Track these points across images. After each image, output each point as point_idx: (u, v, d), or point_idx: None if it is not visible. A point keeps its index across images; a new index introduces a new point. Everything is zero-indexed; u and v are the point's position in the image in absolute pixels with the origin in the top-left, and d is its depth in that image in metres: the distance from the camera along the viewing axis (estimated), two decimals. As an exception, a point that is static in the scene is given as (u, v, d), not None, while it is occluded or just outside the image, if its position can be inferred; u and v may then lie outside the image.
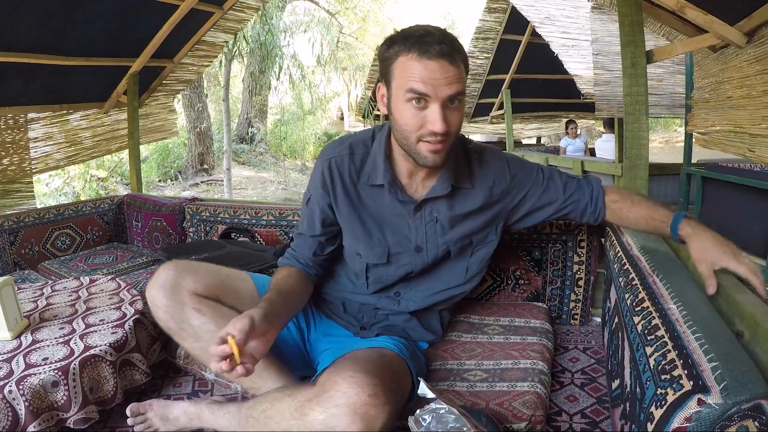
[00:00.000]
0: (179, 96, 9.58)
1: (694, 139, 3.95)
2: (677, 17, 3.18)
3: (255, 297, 1.59)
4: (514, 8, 7.23)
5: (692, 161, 4.71)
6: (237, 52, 9.58)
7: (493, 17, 8.13)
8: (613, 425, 1.34)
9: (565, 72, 6.26)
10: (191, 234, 3.05)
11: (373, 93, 14.29)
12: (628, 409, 1.14)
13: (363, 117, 16.04)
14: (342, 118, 23.51)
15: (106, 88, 3.95)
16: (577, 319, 2.09)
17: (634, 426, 1.05)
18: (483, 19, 8.25)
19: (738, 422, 0.75)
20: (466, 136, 1.67)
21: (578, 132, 8.23)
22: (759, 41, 3.00)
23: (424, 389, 1.20)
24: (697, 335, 0.98)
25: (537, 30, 6.59)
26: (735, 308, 1.14)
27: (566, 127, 8.26)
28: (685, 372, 0.89)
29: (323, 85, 17.03)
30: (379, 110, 15.84)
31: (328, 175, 1.52)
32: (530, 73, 8.56)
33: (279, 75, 12.36)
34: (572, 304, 2.08)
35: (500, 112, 9.10)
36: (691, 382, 0.85)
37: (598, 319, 2.08)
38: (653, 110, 5.48)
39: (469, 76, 9.15)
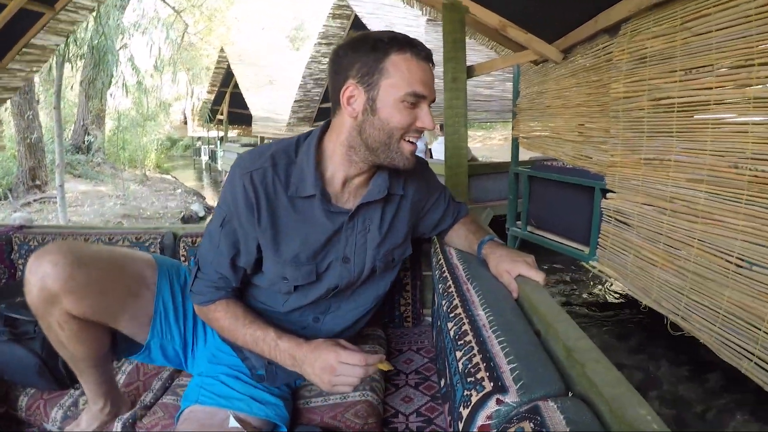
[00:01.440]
0: (7, 104, 8.62)
1: (519, 142, 4.32)
2: (501, 34, 3.44)
3: (147, 293, 1.47)
4: (357, 15, 7.34)
5: (529, 158, 5.08)
6: (68, 56, 8.54)
7: (337, 23, 8.22)
8: (445, 419, 1.39)
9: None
10: (22, 267, 2.37)
11: (217, 97, 13.88)
12: (449, 406, 1.17)
13: (205, 122, 15.45)
14: (186, 123, 22.51)
15: None
16: (409, 321, 2.09)
17: (453, 424, 1.09)
18: (327, 25, 8.32)
19: (516, 423, 0.78)
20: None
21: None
22: (573, 58, 3.36)
23: (233, 423, 1.23)
24: (500, 339, 1.02)
25: (376, 37, 6.77)
26: (533, 309, 1.18)
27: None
28: (487, 374, 0.93)
29: (166, 88, 16.12)
30: (222, 115, 15.17)
31: (251, 190, 1.28)
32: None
33: (110, 83, 10.98)
34: (402, 308, 2.08)
35: (344, 116, 9.24)
36: (492, 384, 0.89)
37: (430, 319, 2.10)
38: (483, 115, 5.88)
39: (311, 81, 9.30)
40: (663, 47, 2.42)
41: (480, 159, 6.98)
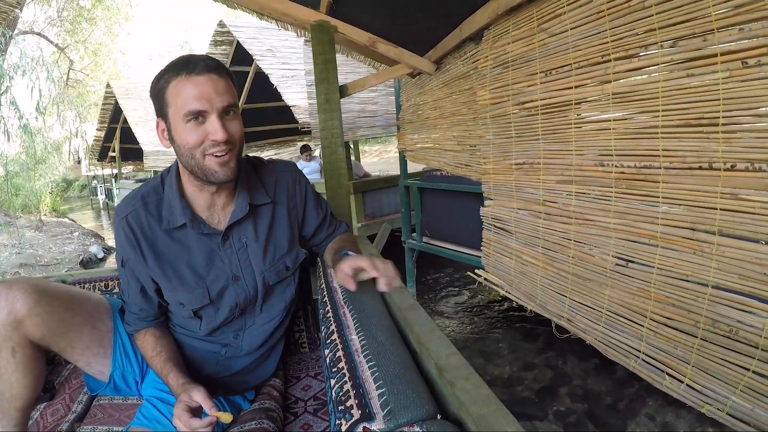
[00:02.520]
0: None
1: (405, 154, 4.27)
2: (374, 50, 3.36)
3: (102, 328, 1.55)
4: (239, 41, 7.17)
5: (422, 168, 5.04)
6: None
7: (220, 50, 7.98)
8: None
9: (291, 100, 6.33)
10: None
11: (107, 133, 13.41)
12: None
13: (98, 159, 14.75)
14: (79, 162, 21.47)
15: None
16: (306, 347, 2.06)
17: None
18: (210, 53, 8.07)
19: None
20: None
21: (313, 155, 8.31)
22: (445, 68, 3.32)
23: None
24: (371, 363, 0.99)
25: (258, 63, 6.62)
26: (409, 329, 1.18)
27: (301, 152, 8.28)
28: (356, 402, 0.90)
29: (57, 128, 15.22)
30: (114, 152, 14.63)
31: (130, 233, 1.40)
32: (260, 102, 8.59)
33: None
34: (297, 334, 2.06)
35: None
36: (360, 411, 0.86)
37: (328, 342, 2.09)
38: (369, 131, 5.85)
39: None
40: (523, 50, 2.38)
41: (377, 173, 6.91)
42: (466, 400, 0.83)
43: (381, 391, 0.88)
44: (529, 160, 2.43)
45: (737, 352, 1.56)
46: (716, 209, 1.58)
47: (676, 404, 2.58)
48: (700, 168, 1.62)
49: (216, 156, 1.26)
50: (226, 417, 1.25)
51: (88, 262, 8.55)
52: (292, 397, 1.73)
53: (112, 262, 8.86)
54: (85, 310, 1.50)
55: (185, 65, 1.22)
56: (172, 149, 1.32)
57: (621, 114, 1.89)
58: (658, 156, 1.75)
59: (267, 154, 10.94)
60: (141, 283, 1.46)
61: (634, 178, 1.86)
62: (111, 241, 10.81)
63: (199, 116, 1.22)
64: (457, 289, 4.99)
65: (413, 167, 4.81)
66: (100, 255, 8.75)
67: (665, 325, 1.79)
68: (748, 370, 1.53)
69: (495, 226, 2.86)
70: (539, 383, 3.15)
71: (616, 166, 1.91)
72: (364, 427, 0.82)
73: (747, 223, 1.50)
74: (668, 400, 2.61)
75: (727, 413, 1.59)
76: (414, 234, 4.46)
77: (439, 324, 4.23)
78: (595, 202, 2.05)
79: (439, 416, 0.83)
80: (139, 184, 9.59)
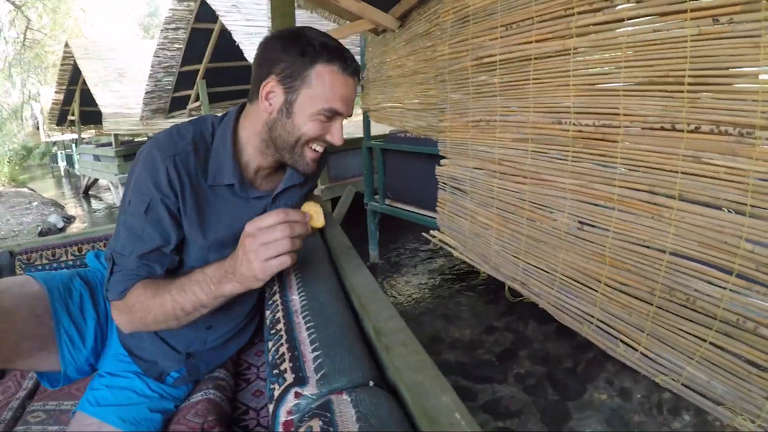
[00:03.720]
0: None
1: (369, 115, 4.15)
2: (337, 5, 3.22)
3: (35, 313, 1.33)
4: (203, -4, 6.86)
5: (389, 131, 4.96)
6: None
7: (184, 6, 7.65)
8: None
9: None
10: None
11: (66, 96, 12.91)
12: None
13: (57, 124, 14.14)
14: (38, 128, 20.73)
15: None
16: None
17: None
18: (173, 9, 7.70)
19: (307, 422, 0.71)
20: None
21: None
22: (409, 25, 3.19)
23: None
24: (309, 324, 0.95)
25: (222, 20, 6.36)
26: (352, 290, 1.14)
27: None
28: (291, 365, 0.86)
29: (15, 93, 14.59)
30: (73, 116, 14.04)
31: (176, 175, 1.18)
32: (226, 61, 8.25)
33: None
34: None
35: (197, 104, 8.56)
36: (293, 375, 0.83)
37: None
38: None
39: (161, 70, 8.67)
40: (485, 4, 2.26)
41: (345, 136, 6.77)
42: (401, 366, 0.81)
43: (317, 354, 0.86)
44: (486, 117, 2.32)
45: (694, 322, 1.50)
46: (677, 172, 1.50)
47: (635, 369, 2.62)
48: (662, 129, 1.53)
49: (314, 151, 1.24)
50: (318, 219, 1.15)
51: (47, 233, 8.13)
52: (245, 363, 1.65)
53: (71, 230, 8.64)
54: (20, 319, 1.30)
55: (341, 57, 1.16)
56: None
57: (581, 70, 1.80)
58: (619, 115, 1.66)
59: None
60: (163, 236, 1.21)
61: (592, 137, 1.76)
62: (71, 210, 10.56)
63: (333, 116, 1.19)
64: (420, 252, 4.96)
65: (381, 129, 4.72)
66: (60, 225, 8.43)
67: (620, 291, 1.72)
68: (704, 341, 1.47)
69: (450, 185, 2.77)
70: (500, 346, 3.16)
71: (573, 125, 1.81)
72: (296, 392, 0.79)
73: (709, 188, 1.42)
74: (627, 365, 2.65)
75: (682, 384, 1.53)
76: (376, 196, 4.39)
77: (401, 287, 4.21)
78: (552, 162, 1.95)
79: (372, 383, 0.79)
80: (104, 147, 9.27)
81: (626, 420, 2.43)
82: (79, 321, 1.40)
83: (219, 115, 1.32)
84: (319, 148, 1.24)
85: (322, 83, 1.16)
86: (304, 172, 1.29)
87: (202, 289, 1.12)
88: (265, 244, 1.02)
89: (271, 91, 1.19)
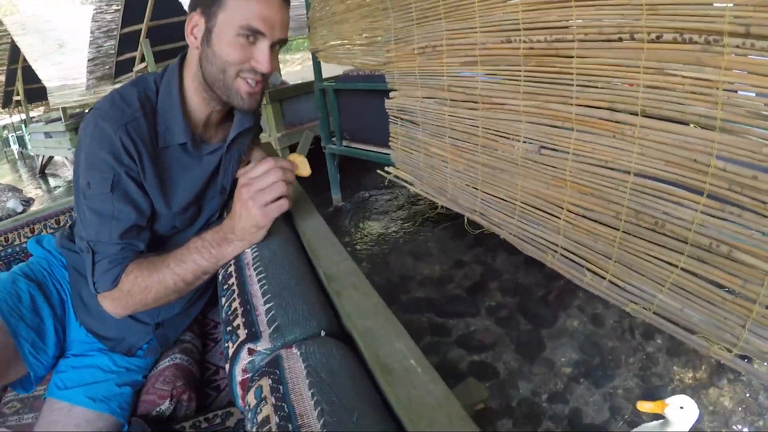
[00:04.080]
0: None
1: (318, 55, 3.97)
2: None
3: None
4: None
5: (343, 71, 4.80)
6: None
7: (117, -35, 7.26)
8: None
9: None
10: None
11: (9, 76, 12.26)
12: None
13: (3, 106, 13.61)
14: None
15: None
16: None
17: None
18: (107, -30, 7.33)
19: (258, 381, 0.68)
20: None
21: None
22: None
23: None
24: (260, 276, 0.92)
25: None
26: (304, 236, 1.12)
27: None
28: (243, 320, 0.84)
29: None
30: (18, 95, 13.47)
31: (132, 145, 1.10)
32: (168, 17, 7.84)
33: None
34: None
35: (144, 65, 8.21)
36: (246, 331, 0.80)
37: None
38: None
39: (101, 34, 8.27)
40: None
41: (300, 81, 6.57)
42: (352, 312, 0.79)
43: (269, 306, 0.83)
44: (432, 43, 2.17)
45: (664, 247, 1.41)
46: (639, 87, 1.37)
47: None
48: (621, 39, 1.39)
49: (248, 82, 1.16)
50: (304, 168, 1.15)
51: (6, 219, 7.92)
52: (211, 322, 1.59)
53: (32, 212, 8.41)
54: None
55: None
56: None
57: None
58: (572, 27, 1.52)
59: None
60: (135, 210, 1.13)
61: (545, 54, 1.63)
62: (30, 192, 10.24)
63: (253, 36, 1.11)
64: (385, 192, 4.89)
65: (339, 70, 4.56)
66: (20, 209, 8.09)
67: (584, 216, 1.62)
68: (676, 267, 1.38)
69: (401, 118, 2.64)
70: (470, 280, 3.15)
71: (524, 42, 1.67)
72: (249, 349, 0.77)
73: (674, 102, 1.30)
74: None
75: (654, 312, 1.46)
76: (334, 138, 4.28)
77: (367, 228, 4.18)
78: (503, 84, 1.83)
79: (323, 333, 0.77)
80: (54, 123, 8.91)
81: (600, 346, 2.43)
82: (37, 323, 1.31)
83: (159, 71, 1.24)
84: (251, 79, 1.16)
85: (237, 3, 1.09)
86: (241, 108, 1.20)
87: (202, 256, 1.10)
88: (261, 190, 1.03)
89: (196, 24, 1.15)
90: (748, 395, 2.07)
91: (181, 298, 1.31)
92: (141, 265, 1.12)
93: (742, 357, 1.31)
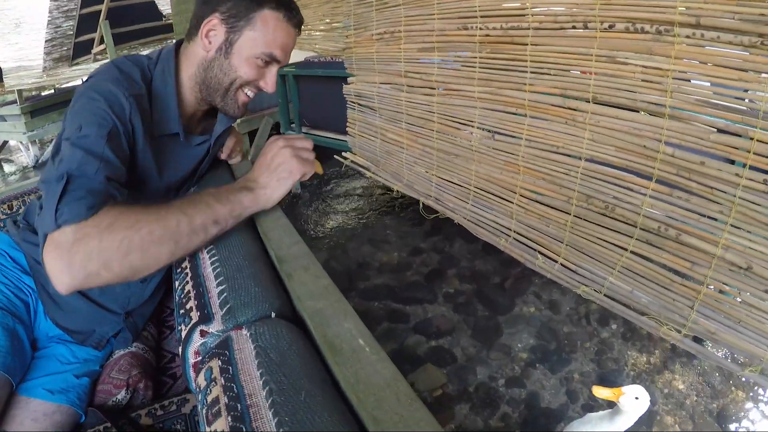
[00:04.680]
0: None
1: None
2: None
3: None
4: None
5: (304, 58, 4.76)
6: None
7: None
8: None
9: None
10: None
11: None
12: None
13: None
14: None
15: None
16: None
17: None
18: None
19: (208, 362, 0.68)
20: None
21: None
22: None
23: None
24: (213, 258, 0.92)
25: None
26: (257, 219, 1.12)
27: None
28: (196, 302, 0.84)
29: None
30: None
31: (137, 112, 1.09)
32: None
33: None
34: None
35: (102, 47, 8.01)
36: (198, 313, 0.80)
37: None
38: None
39: (59, 14, 8.02)
40: None
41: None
42: (302, 294, 0.80)
43: (221, 288, 0.83)
44: (390, 28, 2.17)
45: (614, 231, 1.44)
46: (591, 74, 1.40)
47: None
48: (574, 28, 1.42)
49: (247, 94, 1.24)
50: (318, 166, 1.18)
51: None
52: (167, 308, 1.56)
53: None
54: None
55: (288, 6, 1.17)
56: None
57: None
58: (527, 15, 1.54)
59: (144, 54, 10.04)
60: (123, 166, 1.00)
61: (500, 41, 1.64)
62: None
63: (270, 61, 1.19)
64: (344, 179, 4.86)
65: (302, 56, 4.52)
66: None
67: (536, 201, 1.65)
68: (625, 250, 1.42)
69: (359, 104, 2.64)
70: (428, 267, 3.15)
71: (480, 29, 1.69)
72: (201, 331, 0.77)
73: (625, 90, 1.33)
74: (554, 279, 2.70)
75: (605, 295, 1.49)
76: (293, 125, 4.22)
77: (326, 216, 4.14)
78: (459, 70, 1.84)
79: (273, 314, 0.77)
80: (9, 106, 8.59)
81: (556, 331, 2.46)
82: (20, 350, 1.21)
83: (148, 57, 1.24)
84: (251, 93, 1.24)
85: (265, 28, 1.15)
86: (234, 115, 1.27)
87: (217, 200, 1.01)
88: (298, 149, 1.11)
89: (213, 29, 1.17)
90: (701, 378, 2.14)
91: (148, 285, 1.33)
92: (129, 205, 0.92)
93: (696, 340, 1.35)
